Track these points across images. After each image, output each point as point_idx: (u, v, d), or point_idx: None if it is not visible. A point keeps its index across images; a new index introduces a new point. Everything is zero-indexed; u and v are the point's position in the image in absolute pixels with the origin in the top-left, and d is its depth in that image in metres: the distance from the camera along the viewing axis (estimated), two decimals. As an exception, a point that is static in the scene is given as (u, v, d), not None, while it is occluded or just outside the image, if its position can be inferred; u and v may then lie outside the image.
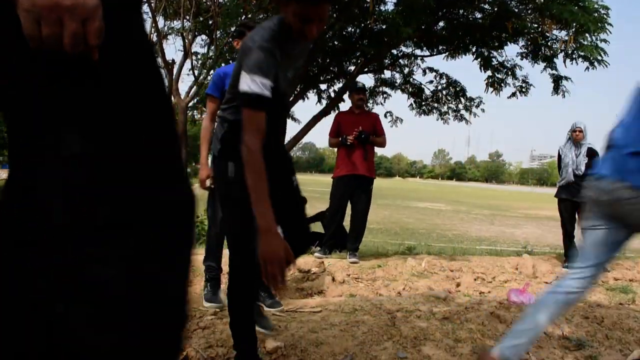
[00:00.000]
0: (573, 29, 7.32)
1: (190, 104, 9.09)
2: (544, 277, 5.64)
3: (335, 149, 6.15)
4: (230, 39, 9.06)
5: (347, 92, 6.64)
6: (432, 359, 2.91)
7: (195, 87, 8.50)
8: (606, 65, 7.38)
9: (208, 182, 3.91)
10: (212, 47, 8.76)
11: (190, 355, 2.69)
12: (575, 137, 6.33)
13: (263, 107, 1.96)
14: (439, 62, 11.09)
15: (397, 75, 10.93)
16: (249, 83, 1.94)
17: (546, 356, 3.14)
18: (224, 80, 3.84)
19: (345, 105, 10.76)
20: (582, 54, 7.42)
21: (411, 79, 10.77)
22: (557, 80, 8.61)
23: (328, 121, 9.50)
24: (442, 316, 3.74)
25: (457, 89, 10.55)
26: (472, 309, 4.01)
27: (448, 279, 5.33)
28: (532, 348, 3.23)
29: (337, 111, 10.13)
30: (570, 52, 7.71)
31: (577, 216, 6.42)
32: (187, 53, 8.27)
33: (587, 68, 7.54)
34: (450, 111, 10.94)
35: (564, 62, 7.91)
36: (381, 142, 6.06)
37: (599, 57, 7.23)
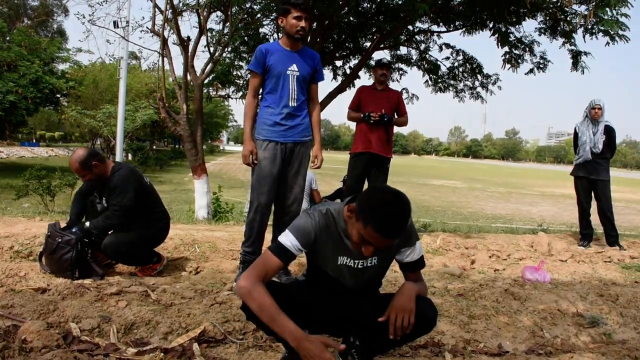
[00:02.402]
0: (593, 3, 7.15)
1: (206, 81, 9.05)
2: (559, 254, 5.63)
3: (353, 126, 6.06)
4: (246, 16, 9.02)
5: (367, 68, 6.52)
6: (446, 334, 2.94)
7: (210, 64, 8.46)
8: (627, 40, 7.22)
9: (251, 158, 3.89)
10: (227, 24, 8.69)
11: (208, 329, 2.74)
12: (594, 114, 6.22)
13: (280, 256, 2.10)
14: (456, 38, 10.94)
15: (413, 52, 10.80)
16: (284, 235, 2.14)
17: (560, 333, 3.15)
18: (266, 56, 3.85)
19: (361, 82, 10.70)
20: (602, 28, 7.25)
21: (427, 56, 10.63)
22: (576, 56, 8.44)
23: (343, 97, 9.46)
24: (457, 293, 3.76)
25: (474, 65, 10.40)
26: (487, 286, 4.02)
27: (463, 256, 5.34)
28: (546, 324, 3.25)
29: (352, 87, 10.07)
30: (590, 26, 7.54)
31: (592, 194, 6.36)
32: (202, 30, 8.22)
33: (608, 43, 7.38)
34: (466, 89, 10.81)
35: (584, 37, 7.72)
36: (403, 121, 5.96)
37: (620, 32, 7.07)
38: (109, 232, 3.99)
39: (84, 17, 9.09)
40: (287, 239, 2.13)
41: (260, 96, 4.07)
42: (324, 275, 2.26)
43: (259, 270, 2.05)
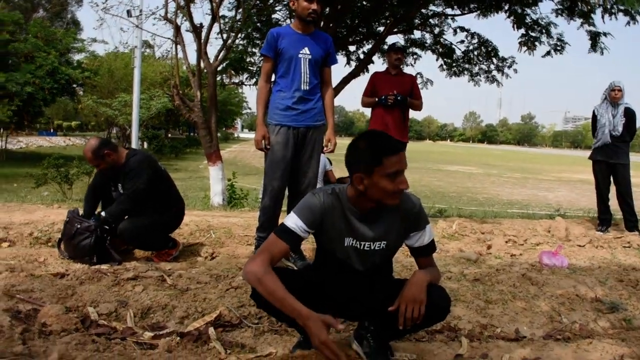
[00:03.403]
0: (612, -18, 7.01)
1: (219, 68, 9.04)
2: (577, 240, 5.56)
3: (368, 112, 6.02)
4: (258, 2, 8.97)
5: (381, 53, 6.42)
6: (463, 319, 2.92)
7: (223, 51, 8.44)
8: (647, 19, 7.07)
9: (264, 143, 3.88)
10: (240, 10, 8.66)
11: (223, 314, 2.75)
12: (614, 96, 6.09)
13: (285, 238, 2.08)
14: (471, 21, 10.81)
15: (427, 36, 10.68)
16: (288, 217, 2.14)
17: (578, 318, 3.12)
18: (277, 39, 3.82)
19: (375, 67, 10.62)
20: (622, 7, 7.09)
21: (441, 39, 10.51)
22: (595, 37, 8.29)
23: (356, 83, 9.41)
24: (473, 277, 3.73)
25: (489, 48, 10.26)
26: (503, 270, 3.99)
27: (479, 242, 5.30)
28: (564, 310, 3.22)
29: (366, 72, 10.00)
30: (609, 6, 7.37)
31: (611, 179, 6.26)
32: (215, 16, 8.20)
33: (628, 22, 7.22)
34: (481, 72, 10.68)
35: (602, 17, 7.56)
36: (418, 105, 5.89)
37: (641, 10, 6.92)
38: (125, 217, 4.01)
39: (97, 6, 9.13)
40: (292, 220, 2.12)
41: (272, 81, 4.04)
42: (331, 257, 2.24)
43: (265, 254, 2.04)
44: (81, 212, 4.14)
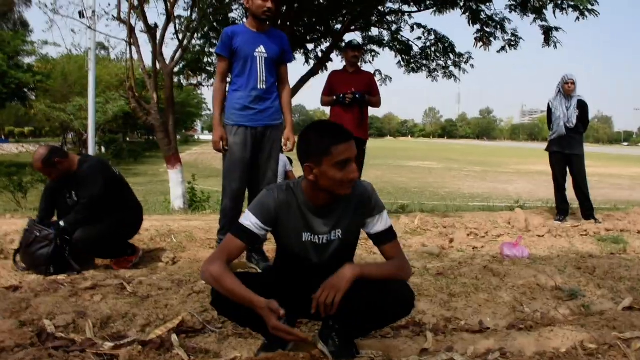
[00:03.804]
0: (562, -22, 7.18)
1: (176, 69, 8.90)
2: (536, 230, 5.68)
3: (327, 111, 6.02)
4: (214, 1, 8.86)
5: (339, 50, 6.45)
6: (427, 314, 2.94)
7: (180, 51, 8.31)
8: (597, 15, 7.27)
9: (222, 144, 3.81)
10: (196, 10, 8.54)
11: (186, 320, 2.69)
12: (567, 89, 6.25)
13: (241, 237, 2.09)
14: (427, 17, 10.95)
15: (384, 33, 10.77)
16: (244, 215, 2.14)
17: (540, 307, 3.17)
18: (232, 38, 3.75)
19: (333, 65, 10.63)
20: (572, 3, 7.29)
21: (399, 36, 10.60)
22: (548, 32, 8.49)
23: (316, 82, 9.39)
24: (436, 272, 3.76)
25: (446, 44, 10.40)
26: (466, 263, 4.04)
27: (441, 236, 5.36)
28: (526, 299, 3.27)
29: (325, 71, 10.00)
30: (559, 2, 7.56)
31: (567, 169, 6.42)
32: (169, 16, 8.05)
33: (578, 18, 7.43)
34: (439, 68, 10.81)
35: (554, 12, 7.76)
36: (376, 102, 5.91)
37: (589, 7, 7.11)
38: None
39: (46, 7, 8.88)
40: (247, 218, 2.11)
41: (229, 81, 3.99)
42: (290, 254, 2.23)
43: (222, 254, 2.05)
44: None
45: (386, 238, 2.26)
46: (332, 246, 2.22)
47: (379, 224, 2.23)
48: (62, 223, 3.85)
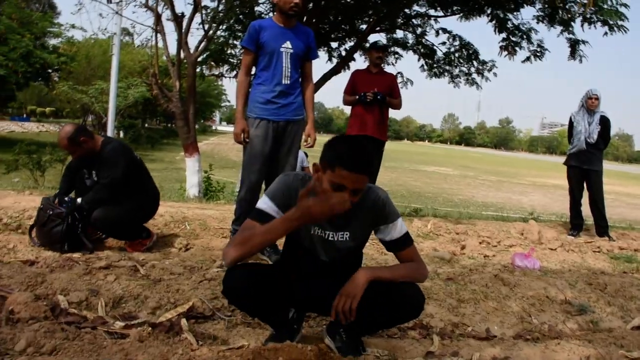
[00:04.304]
0: (592, -8, 7.12)
1: (200, 58, 8.95)
2: (549, 243, 5.65)
3: (347, 110, 6.03)
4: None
5: (363, 50, 6.44)
6: (435, 317, 2.95)
7: (204, 41, 8.37)
8: (625, 31, 7.20)
9: (243, 137, 3.84)
10: (223, 1, 8.59)
11: (196, 305, 2.73)
12: (591, 104, 6.19)
13: (259, 221, 2.08)
14: (453, 23, 10.90)
15: (409, 36, 10.74)
16: (261, 200, 2.18)
17: (548, 319, 3.17)
18: (259, 32, 3.78)
19: (356, 64, 10.63)
20: (601, 18, 7.22)
21: (423, 40, 10.58)
22: (574, 45, 8.42)
23: (336, 81, 9.41)
24: (446, 277, 3.77)
25: (470, 51, 10.35)
26: (477, 271, 4.03)
27: (453, 242, 5.35)
28: (534, 311, 3.26)
29: (347, 70, 10.00)
30: (588, 15, 7.50)
31: (585, 184, 6.37)
32: (196, 6, 8.11)
33: (606, 33, 7.35)
34: (461, 74, 10.77)
35: (582, 26, 7.69)
36: (397, 103, 5.91)
37: (619, 22, 7.04)
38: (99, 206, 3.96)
39: (76, -11, 8.97)
40: (264, 202, 2.14)
41: (253, 74, 4.01)
42: (298, 246, 2.25)
43: (240, 242, 2.05)
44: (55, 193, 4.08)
45: (403, 245, 2.26)
46: (340, 245, 2.23)
47: (394, 231, 2.23)
48: (79, 200, 3.91)
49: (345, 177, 1.95)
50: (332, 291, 2.17)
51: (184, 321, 2.49)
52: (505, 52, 9.26)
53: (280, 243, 4.09)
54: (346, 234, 2.22)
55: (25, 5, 30.11)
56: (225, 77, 10.87)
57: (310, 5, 8.54)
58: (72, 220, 3.84)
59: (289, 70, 3.82)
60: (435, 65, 10.73)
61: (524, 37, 9.12)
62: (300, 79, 3.97)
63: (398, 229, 2.24)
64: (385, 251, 4.56)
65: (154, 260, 3.57)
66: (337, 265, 2.26)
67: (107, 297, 2.73)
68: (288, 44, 3.80)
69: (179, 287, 2.94)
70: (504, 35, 9.11)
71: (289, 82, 3.83)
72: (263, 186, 4.07)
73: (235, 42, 10.10)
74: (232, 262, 2.03)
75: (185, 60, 8.21)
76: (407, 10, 9.86)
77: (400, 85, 10.22)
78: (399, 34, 10.74)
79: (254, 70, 3.99)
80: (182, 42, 8.09)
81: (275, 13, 3.94)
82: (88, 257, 3.50)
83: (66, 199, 3.95)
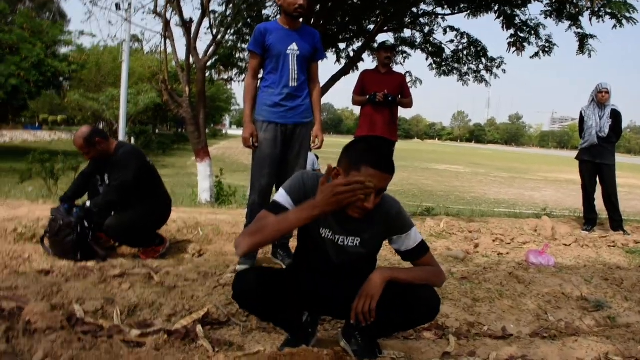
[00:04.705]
0: (601, -15, 7.05)
1: (209, 63, 8.98)
2: (563, 239, 5.61)
3: (356, 110, 6.01)
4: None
5: (371, 51, 6.42)
6: (450, 317, 2.93)
7: (213, 46, 8.39)
8: (635, 23, 7.11)
9: (251, 141, 3.84)
10: (231, 6, 8.62)
11: (211, 312, 2.74)
12: (601, 98, 6.15)
13: (276, 213, 2.04)
14: (460, 20, 10.85)
15: (417, 35, 10.69)
16: (278, 194, 2.16)
17: (564, 316, 3.14)
18: (265, 35, 3.78)
19: (365, 65, 10.63)
20: (610, 11, 7.15)
21: (431, 39, 10.53)
22: (583, 39, 8.34)
23: (346, 81, 9.40)
24: (461, 276, 3.75)
25: (478, 48, 10.28)
26: (491, 269, 4.01)
27: (466, 240, 5.33)
28: (550, 308, 3.24)
29: (356, 70, 10.00)
30: (596, 9, 7.42)
31: (597, 179, 6.32)
32: (205, 11, 8.14)
33: (615, 26, 7.26)
34: (470, 72, 10.71)
35: (590, 20, 7.60)
36: (408, 103, 5.88)
37: (628, 14, 6.97)
38: (111, 212, 3.98)
39: (85, -2, 9.05)
40: (280, 195, 2.14)
41: (260, 77, 4.02)
42: (310, 248, 2.25)
43: (254, 231, 2.04)
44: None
45: (418, 254, 2.24)
46: (350, 250, 2.21)
47: (409, 241, 2.21)
48: (87, 203, 3.94)
49: (372, 176, 1.92)
50: (344, 293, 2.17)
51: (199, 328, 2.50)
52: (514, 48, 9.18)
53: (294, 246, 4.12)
54: (357, 240, 2.20)
55: (36, 14, 30.45)
56: (235, 81, 10.90)
57: (317, 6, 8.54)
58: (82, 229, 3.86)
59: (296, 72, 3.81)
60: (443, 63, 10.67)
61: (532, 32, 9.05)
62: (307, 81, 3.96)
63: (413, 238, 2.22)
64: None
65: (168, 266, 3.59)
66: (348, 268, 2.25)
67: (123, 305, 2.75)
68: (294, 46, 3.80)
69: (193, 293, 2.96)
70: (511, 31, 9.05)
71: (296, 84, 3.82)
72: (274, 190, 4.08)
73: (243, 46, 10.11)
74: (245, 251, 2.02)
75: (194, 66, 8.24)
76: (414, 9, 9.82)
77: (409, 85, 10.23)
78: (407, 33, 10.70)
79: (261, 73, 3.99)
80: (191, 48, 8.11)
81: (280, 15, 3.94)
82: (102, 265, 3.53)
83: (75, 208, 3.98)
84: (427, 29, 10.44)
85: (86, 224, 3.89)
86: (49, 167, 11.16)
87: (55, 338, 2.19)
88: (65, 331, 2.34)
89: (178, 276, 3.29)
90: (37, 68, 23.77)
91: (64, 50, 29.04)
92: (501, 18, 8.85)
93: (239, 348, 2.39)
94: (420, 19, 10.27)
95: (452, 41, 10.40)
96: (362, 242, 2.21)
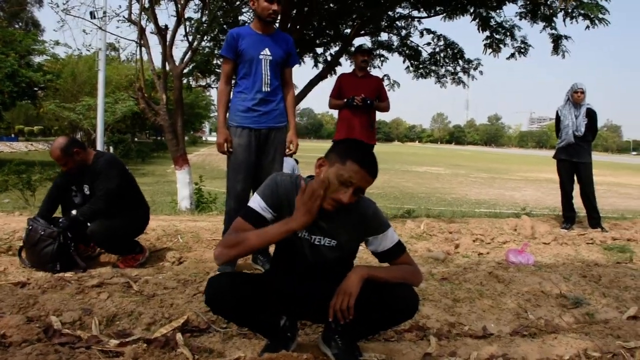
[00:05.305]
0: (573, -14, 7.18)
1: (185, 70, 8.94)
2: (542, 237, 5.66)
3: (336, 114, 6.01)
4: (224, 3, 8.90)
5: (348, 55, 6.44)
6: (431, 318, 2.94)
7: (189, 53, 8.35)
8: (607, 24, 7.25)
9: (226, 146, 3.83)
10: (206, 12, 8.59)
11: (191, 319, 2.71)
12: (577, 98, 6.25)
13: (249, 219, 2.11)
14: (437, 23, 10.96)
15: (394, 38, 10.79)
16: (251, 199, 2.18)
17: (544, 314, 3.17)
18: (238, 40, 3.76)
19: (342, 69, 10.66)
20: (583, 12, 7.28)
21: (408, 41, 10.62)
22: (557, 40, 8.49)
23: (325, 85, 9.41)
24: (441, 277, 3.77)
25: (455, 50, 10.41)
26: (471, 269, 4.03)
27: (447, 241, 5.36)
28: (530, 306, 3.27)
29: (334, 74, 10.03)
30: (570, 10, 7.56)
31: (575, 177, 6.41)
32: (180, 18, 8.11)
33: (588, 27, 7.41)
34: (447, 74, 10.82)
35: (564, 20, 7.75)
36: (385, 107, 5.90)
37: (600, 15, 7.10)
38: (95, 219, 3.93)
39: (57, 7, 8.95)
40: (254, 200, 2.15)
41: (233, 82, 4.00)
42: (287, 248, 2.23)
43: (233, 240, 2.05)
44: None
45: (396, 254, 2.25)
46: (326, 251, 2.20)
47: (385, 241, 2.22)
48: (74, 212, 3.88)
49: (355, 171, 1.97)
50: (321, 295, 2.15)
51: (179, 336, 2.47)
52: (490, 50, 9.32)
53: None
54: (333, 242, 2.20)
55: (8, 24, 30.00)
56: (212, 87, 10.87)
57: (294, 11, 8.56)
58: (65, 239, 3.81)
59: (269, 77, 3.80)
60: (421, 66, 10.77)
61: (508, 34, 9.19)
62: (280, 86, 3.95)
63: (389, 238, 2.22)
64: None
65: (147, 275, 3.55)
66: (324, 269, 2.24)
67: (101, 316, 2.70)
68: (267, 51, 3.79)
69: (173, 301, 2.92)
70: (487, 33, 9.17)
71: (269, 89, 3.81)
72: (251, 194, 4.06)
73: (220, 52, 10.10)
74: (224, 262, 2.08)
75: (171, 73, 8.20)
76: (390, 13, 9.90)
77: (387, 88, 10.28)
78: (384, 36, 10.80)
79: (234, 79, 3.98)
80: (167, 55, 8.07)
81: (254, 20, 3.93)
82: (80, 276, 3.47)
83: (60, 219, 3.92)
84: (403, 32, 10.57)
85: (69, 234, 3.84)
86: (26, 179, 10.99)
87: (31, 351, 2.15)
88: (42, 343, 2.30)
89: (157, 284, 3.25)
90: (11, 78, 23.36)
91: (38, 59, 28.67)
92: (477, 20, 8.98)
93: (219, 355, 2.37)
94: (397, 22, 10.37)
95: (429, 44, 10.53)
96: (339, 245, 2.21)
